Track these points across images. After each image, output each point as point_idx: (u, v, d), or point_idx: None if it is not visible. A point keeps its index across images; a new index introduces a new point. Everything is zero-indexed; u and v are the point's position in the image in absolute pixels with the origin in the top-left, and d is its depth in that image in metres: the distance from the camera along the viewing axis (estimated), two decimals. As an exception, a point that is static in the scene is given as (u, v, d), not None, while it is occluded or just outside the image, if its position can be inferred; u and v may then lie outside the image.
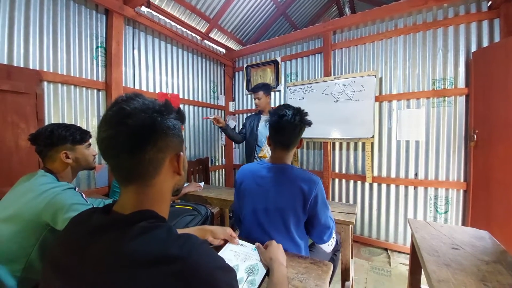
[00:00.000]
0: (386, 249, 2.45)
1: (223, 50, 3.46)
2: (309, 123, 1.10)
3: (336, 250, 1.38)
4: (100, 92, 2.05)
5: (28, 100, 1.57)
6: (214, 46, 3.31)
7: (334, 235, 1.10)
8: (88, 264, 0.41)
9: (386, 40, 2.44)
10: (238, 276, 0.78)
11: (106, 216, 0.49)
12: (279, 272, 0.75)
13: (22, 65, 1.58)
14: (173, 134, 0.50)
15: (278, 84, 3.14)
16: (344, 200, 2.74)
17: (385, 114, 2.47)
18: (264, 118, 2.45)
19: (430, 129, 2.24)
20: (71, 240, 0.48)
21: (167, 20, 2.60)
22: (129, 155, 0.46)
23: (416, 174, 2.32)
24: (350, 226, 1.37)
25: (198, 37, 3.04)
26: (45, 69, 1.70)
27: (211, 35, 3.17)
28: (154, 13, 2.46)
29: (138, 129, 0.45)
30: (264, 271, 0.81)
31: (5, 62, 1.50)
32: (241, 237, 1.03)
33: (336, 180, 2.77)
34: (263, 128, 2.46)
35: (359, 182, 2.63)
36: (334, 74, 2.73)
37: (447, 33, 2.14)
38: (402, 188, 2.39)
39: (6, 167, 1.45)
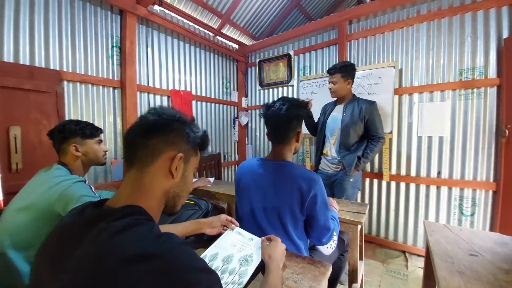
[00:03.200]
0: (404, 252, 2.31)
1: (236, 46, 3.44)
2: (300, 115, 1.01)
3: (344, 251, 1.32)
4: (115, 90, 2.14)
5: (49, 99, 1.68)
6: (227, 42, 3.31)
7: (335, 237, 1.03)
8: (75, 257, 0.42)
9: (407, 28, 2.26)
10: (231, 266, 0.78)
11: (97, 210, 0.50)
12: (274, 274, 0.72)
13: (43, 66, 1.69)
14: (182, 136, 0.57)
15: (291, 79, 3.07)
16: (359, 199, 2.63)
17: (405, 108, 2.31)
18: (339, 108, 1.97)
19: (456, 124, 2.06)
20: (63, 232, 0.50)
21: (179, 17, 2.64)
22: (141, 137, 0.54)
23: (439, 173, 2.15)
24: (359, 226, 1.30)
25: (211, 34, 3.05)
26: (64, 69, 1.81)
27: (224, 31, 3.16)
28: (166, 11, 2.50)
29: (157, 121, 0.55)
30: (258, 261, 0.79)
31: (28, 63, 1.61)
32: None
33: (351, 178, 2.66)
34: (333, 120, 1.96)
35: (375, 181, 2.50)
36: (350, 67, 2.59)
37: (476, 18, 1.93)
38: (423, 187, 2.23)
39: (30, 161, 1.57)
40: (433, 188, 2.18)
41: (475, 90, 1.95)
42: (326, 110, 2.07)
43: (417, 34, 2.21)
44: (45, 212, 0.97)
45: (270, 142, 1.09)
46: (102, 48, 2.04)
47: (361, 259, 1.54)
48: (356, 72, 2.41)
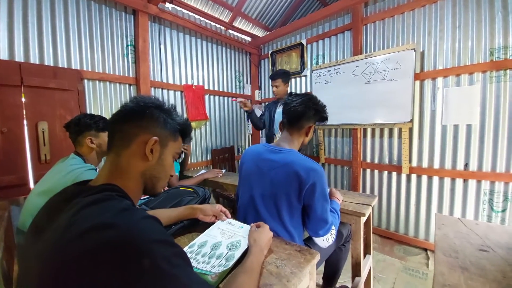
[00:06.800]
0: (425, 249, 2.16)
1: (248, 39, 3.42)
2: (317, 113, 1.07)
3: (345, 242, 1.28)
4: (131, 87, 2.27)
5: (72, 96, 1.84)
6: (239, 35, 3.30)
7: (333, 231, 1.00)
8: (52, 229, 0.46)
9: (430, 5, 2.05)
10: (219, 251, 0.79)
11: (77, 187, 0.54)
12: (255, 257, 0.72)
13: (65, 66, 1.84)
14: (157, 122, 0.59)
15: (304, 69, 2.98)
16: (376, 193, 2.50)
17: (427, 94, 2.12)
18: (280, 105, 2.36)
19: (486, 110, 1.84)
20: (48, 206, 0.54)
21: (190, 13, 2.69)
22: (117, 123, 0.58)
23: (466, 165, 1.95)
24: (363, 218, 1.24)
25: (222, 27, 3.06)
26: (84, 68, 1.95)
27: (235, 24, 3.15)
28: (177, 8, 2.56)
29: (133, 108, 0.59)
30: (245, 247, 0.80)
31: (52, 64, 1.77)
32: (236, 218, 1.04)
33: (368, 171, 2.53)
34: (279, 115, 2.34)
35: (394, 173, 2.35)
36: (366, 52, 2.44)
37: (508, -11, 1.69)
38: (447, 180, 2.05)
39: (56, 152, 1.75)
40: (459, 182, 1.99)
41: (508, 71, 1.72)
42: (271, 109, 2.46)
43: (441, 12, 2.00)
44: (61, 197, 1.08)
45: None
46: (118, 47, 2.17)
47: (368, 253, 1.47)
48: (373, 58, 2.29)
